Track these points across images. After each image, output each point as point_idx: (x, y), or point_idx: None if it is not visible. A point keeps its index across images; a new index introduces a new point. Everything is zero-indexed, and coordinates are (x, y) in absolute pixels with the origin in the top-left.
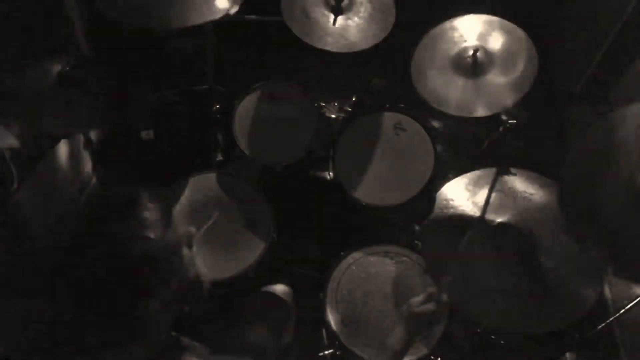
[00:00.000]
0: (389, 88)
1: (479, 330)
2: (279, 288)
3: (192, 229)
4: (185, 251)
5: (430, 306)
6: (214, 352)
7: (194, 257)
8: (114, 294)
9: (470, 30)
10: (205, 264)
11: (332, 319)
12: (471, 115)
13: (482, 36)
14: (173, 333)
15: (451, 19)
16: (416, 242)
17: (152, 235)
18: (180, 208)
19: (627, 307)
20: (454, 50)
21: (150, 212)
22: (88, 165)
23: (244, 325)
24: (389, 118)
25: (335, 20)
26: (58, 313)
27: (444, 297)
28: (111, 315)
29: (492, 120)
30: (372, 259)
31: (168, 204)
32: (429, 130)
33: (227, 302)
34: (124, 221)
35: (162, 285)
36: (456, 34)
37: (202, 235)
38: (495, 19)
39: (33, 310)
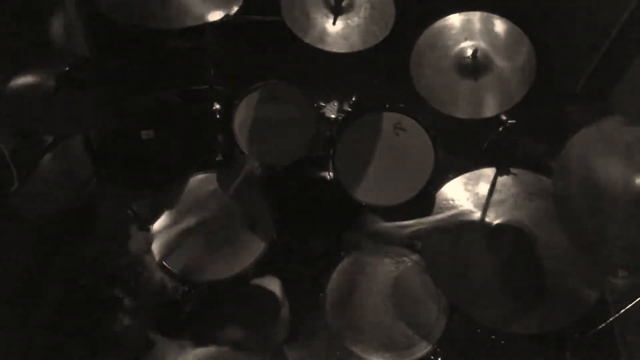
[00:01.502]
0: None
1: (479, 330)
2: (269, 281)
3: (148, 234)
4: (147, 257)
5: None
6: (196, 345)
7: (154, 261)
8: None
9: (469, 28)
10: (205, 264)
11: (332, 319)
12: (472, 117)
13: (482, 34)
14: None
15: (449, 16)
16: (416, 242)
17: (113, 248)
18: (178, 207)
19: (627, 307)
20: (453, 50)
21: (110, 226)
22: (88, 165)
23: (230, 319)
24: (389, 118)
25: (335, 20)
26: (39, 318)
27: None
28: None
29: (492, 120)
30: (372, 259)
31: (127, 212)
32: (429, 130)
33: (214, 297)
34: (82, 238)
35: (132, 293)
36: (455, 32)
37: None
38: (493, 16)
39: (16, 315)
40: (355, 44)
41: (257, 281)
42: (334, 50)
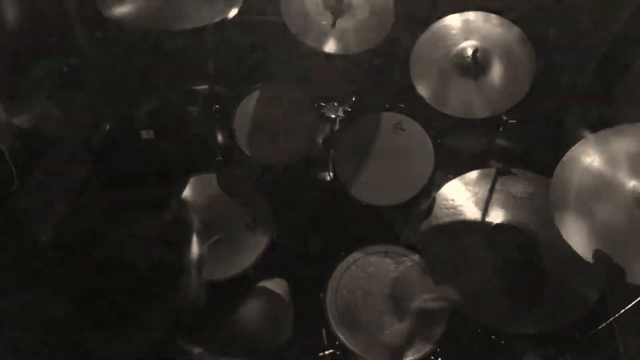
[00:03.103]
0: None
1: (479, 330)
2: (276, 283)
3: (205, 253)
4: (195, 272)
5: (441, 304)
6: (208, 352)
7: (200, 281)
8: (117, 295)
9: (469, 28)
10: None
11: (332, 319)
12: (471, 117)
13: (482, 34)
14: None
15: (448, 17)
16: (416, 242)
17: (173, 247)
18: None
19: (627, 307)
20: (453, 50)
21: (178, 223)
22: (88, 166)
23: (239, 321)
24: (389, 118)
25: (334, 22)
26: (54, 312)
27: (457, 299)
28: (109, 315)
29: (492, 120)
30: (372, 259)
31: (194, 220)
32: (428, 130)
33: (223, 299)
34: (149, 224)
35: (165, 295)
36: (455, 32)
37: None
38: (492, 16)
39: (28, 309)
40: (351, 46)
41: (264, 283)
42: (332, 52)
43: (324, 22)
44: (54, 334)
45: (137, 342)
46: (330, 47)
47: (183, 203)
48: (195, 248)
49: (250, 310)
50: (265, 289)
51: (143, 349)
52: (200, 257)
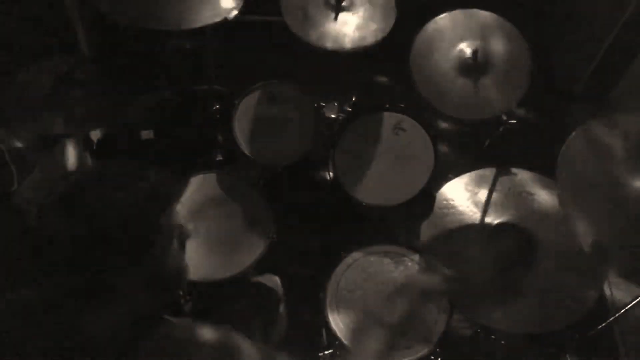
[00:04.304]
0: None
1: (479, 330)
2: (267, 278)
3: (189, 226)
4: (175, 242)
5: (435, 280)
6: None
7: (182, 252)
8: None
9: (469, 28)
10: (205, 264)
11: (332, 318)
12: (470, 116)
13: (482, 35)
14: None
15: (447, 15)
16: (416, 242)
17: (147, 210)
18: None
19: (627, 307)
20: (453, 50)
21: (149, 190)
22: (88, 165)
23: (229, 317)
24: (389, 118)
25: (336, 17)
26: (45, 295)
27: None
28: (88, 286)
29: (492, 120)
30: (372, 259)
31: (169, 189)
32: (429, 130)
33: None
34: (124, 191)
35: (145, 261)
36: (454, 32)
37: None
38: (493, 15)
39: (22, 300)
40: (354, 42)
41: (256, 278)
42: (333, 47)
43: (324, 20)
44: (40, 317)
45: (118, 314)
46: (330, 44)
47: (162, 174)
48: (174, 216)
49: (242, 304)
50: (257, 283)
51: (126, 322)
52: (179, 226)
